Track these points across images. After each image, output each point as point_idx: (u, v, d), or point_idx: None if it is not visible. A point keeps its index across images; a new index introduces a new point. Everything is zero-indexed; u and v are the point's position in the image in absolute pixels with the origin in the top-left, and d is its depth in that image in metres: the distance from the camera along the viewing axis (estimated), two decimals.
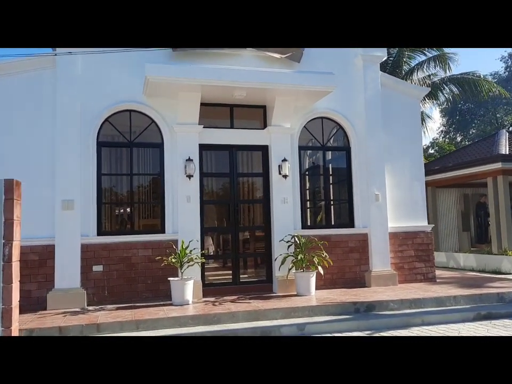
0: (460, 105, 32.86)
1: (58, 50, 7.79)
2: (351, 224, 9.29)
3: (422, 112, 19.33)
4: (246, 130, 8.92)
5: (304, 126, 9.24)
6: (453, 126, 36.07)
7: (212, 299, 7.98)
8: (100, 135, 8.25)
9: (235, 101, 8.67)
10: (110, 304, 7.78)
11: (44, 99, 7.97)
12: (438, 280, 9.57)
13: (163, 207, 8.39)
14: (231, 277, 8.78)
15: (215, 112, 8.93)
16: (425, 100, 18.37)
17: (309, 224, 9.44)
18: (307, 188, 9.97)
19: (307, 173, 9.85)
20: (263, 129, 8.97)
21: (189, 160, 8.24)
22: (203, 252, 8.25)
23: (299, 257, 8.11)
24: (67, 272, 7.68)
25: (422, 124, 19.31)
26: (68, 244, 7.72)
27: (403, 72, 17.64)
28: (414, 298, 7.60)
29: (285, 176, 8.69)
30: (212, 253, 11.21)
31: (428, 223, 9.92)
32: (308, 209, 9.68)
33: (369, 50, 9.26)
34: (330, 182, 9.85)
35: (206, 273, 8.90)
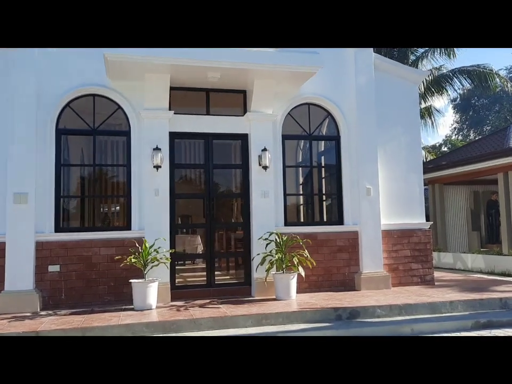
0: (473, 101, 31.63)
1: None
2: (339, 221, 8.38)
3: (430, 106, 18.50)
4: (223, 117, 8.06)
5: (289, 113, 8.36)
6: (466, 122, 34.80)
7: (180, 303, 7.17)
8: (60, 122, 7.48)
9: (211, 85, 7.86)
10: (67, 308, 7.03)
11: None
12: (437, 283, 8.65)
13: (129, 201, 7.59)
14: (205, 278, 7.97)
15: (190, 97, 8.12)
16: (433, 93, 17.47)
17: (292, 220, 8.57)
18: (300, 182, 9.15)
19: (293, 165, 9.01)
20: (243, 116, 8.14)
21: (157, 149, 7.42)
22: (171, 250, 7.43)
23: (276, 257, 7.27)
24: (19, 272, 6.92)
25: (430, 118, 18.49)
26: (20, 241, 6.96)
27: (409, 61, 16.73)
28: (405, 303, 6.71)
29: (265, 168, 7.82)
30: (200, 252, 10.46)
31: (429, 221, 9.01)
32: (292, 205, 8.82)
33: None
34: (320, 175, 8.98)
35: (182, 274, 8.18)
